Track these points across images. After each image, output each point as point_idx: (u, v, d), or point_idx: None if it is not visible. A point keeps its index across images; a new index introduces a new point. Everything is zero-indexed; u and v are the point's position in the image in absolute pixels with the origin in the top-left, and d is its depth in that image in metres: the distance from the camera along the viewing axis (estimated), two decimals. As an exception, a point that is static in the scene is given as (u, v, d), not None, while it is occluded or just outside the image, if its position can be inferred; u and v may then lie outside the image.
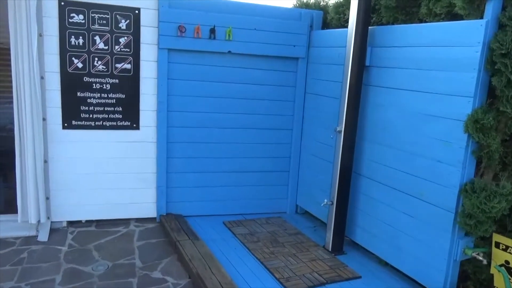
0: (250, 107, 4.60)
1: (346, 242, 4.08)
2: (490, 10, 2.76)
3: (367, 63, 3.72)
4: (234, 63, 4.42)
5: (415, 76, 3.29)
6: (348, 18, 4.20)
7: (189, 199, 4.60)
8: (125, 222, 4.45)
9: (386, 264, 3.73)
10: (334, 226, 3.97)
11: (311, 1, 4.93)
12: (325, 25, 4.67)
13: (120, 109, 4.17)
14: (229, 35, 4.25)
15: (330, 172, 4.22)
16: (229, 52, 4.33)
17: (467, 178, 2.99)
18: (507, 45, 2.66)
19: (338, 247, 4.01)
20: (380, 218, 3.71)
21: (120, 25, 4.00)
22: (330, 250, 3.98)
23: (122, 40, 4.03)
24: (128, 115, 4.21)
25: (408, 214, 3.42)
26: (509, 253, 2.88)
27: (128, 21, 4.01)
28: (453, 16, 3.17)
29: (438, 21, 3.25)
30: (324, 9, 4.74)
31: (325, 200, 4.00)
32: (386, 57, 3.57)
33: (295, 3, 5.05)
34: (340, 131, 3.82)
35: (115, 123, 4.18)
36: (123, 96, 4.16)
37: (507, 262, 2.90)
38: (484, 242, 3.06)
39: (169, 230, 4.16)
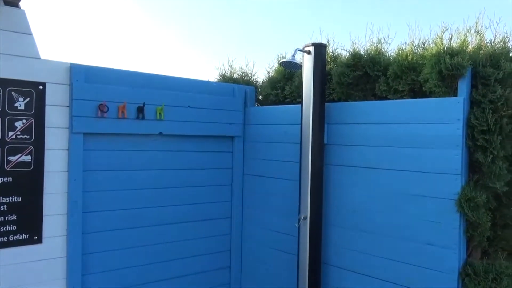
0: (183, 197, 3.86)
1: None
2: (464, 88, 2.77)
3: (325, 141, 3.44)
4: (166, 146, 3.70)
5: (387, 154, 3.10)
6: (287, 94, 4.00)
7: (112, 326, 3.46)
8: None
9: None
10: (307, 331, 3.36)
11: (234, 75, 4.61)
12: (257, 101, 4.36)
13: (14, 217, 2.99)
14: (160, 114, 3.56)
15: (290, 265, 3.68)
16: (161, 133, 3.61)
17: (462, 260, 2.80)
18: (488, 121, 2.67)
19: None
20: (360, 313, 3.26)
21: (17, 104, 2.97)
22: None
23: (19, 124, 2.99)
24: (25, 225, 3.03)
25: (396, 305, 3.06)
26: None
27: (28, 99, 3.01)
28: (414, 92, 3.16)
29: (400, 97, 3.19)
30: (251, 84, 4.45)
31: (295, 302, 3.40)
32: (346, 134, 3.36)
33: (218, 77, 4.65)
34: (305, 218, 3.37)
35: (5, 239, 2.96)
36: (19, 199, 3.01)
37: None
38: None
39: None
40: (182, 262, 3.88)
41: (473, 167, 2.82)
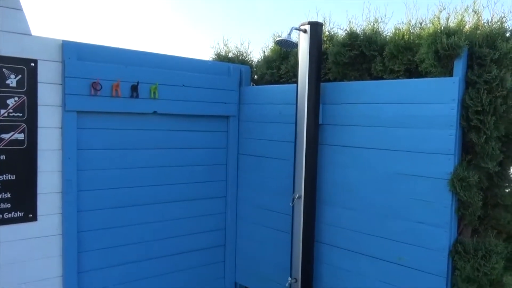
0: (178, 176, 3.86)
1: (311, 321, 3.57)
2: (460, 68, 2.77)
3: (320, 121, 3.44)
4: (160, 125, 3.68)
5: (380, 134, 3.11)
6: (283, 73, 3.98)
7: (108, 302, 3.51)
8: None
9: None
10: (300, 307, 3.43)
11: (230, 54, 4.56)
12: (252, 80, 4.34)
13: (9, 195, 2.99)
14: (154, 92, 3.53)
15: (283, 243, 3.74)
16: (155, 112, 3.59)
17: (453, 238, 2.85)
18: (482, 102, 2.67)
19: (306, 330, 3.47)
20: (351, 290, 3.33)
21: (9, 81, 2.93)
22: (299, 337, 3.41)
23: (11, 101, 2.95)
24: (20, 203, 3.03)
25: (387, 282, 3.12)
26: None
27: (20, 76, 2.97)
28: (410, 73, 3.14)
29: (396, 77, 3.18)
30: (247, 63, 4.41)
31: (289, 279, 3.46)
32: (341, 114, 3.35)
33: (213, 56, 4.60)
34: (300, 197, 3.40)
35: (0, 216, 2.96)
36: (13, 177, 3.00)
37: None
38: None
39: None
40: (177, 240, 3.91)
41: (466, 147, 2.84)
